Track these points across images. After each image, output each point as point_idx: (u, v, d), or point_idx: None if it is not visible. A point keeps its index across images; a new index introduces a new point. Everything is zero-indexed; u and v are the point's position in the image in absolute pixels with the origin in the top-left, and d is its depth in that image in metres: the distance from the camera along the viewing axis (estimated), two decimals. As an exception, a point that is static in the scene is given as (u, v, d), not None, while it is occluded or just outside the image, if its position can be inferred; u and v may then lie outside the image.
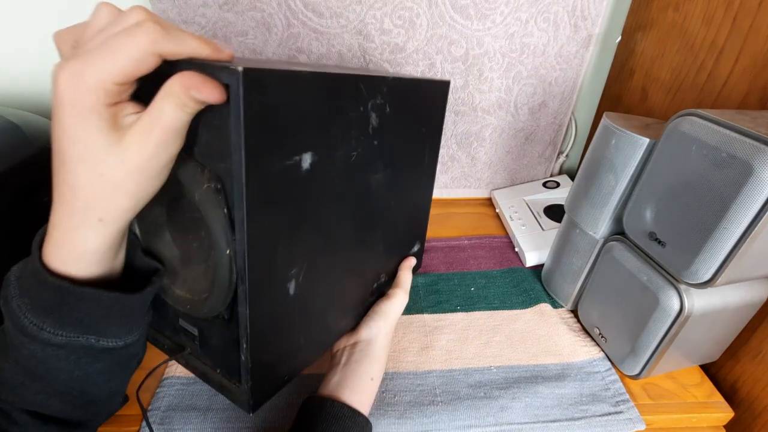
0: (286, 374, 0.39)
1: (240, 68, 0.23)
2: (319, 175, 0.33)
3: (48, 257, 0.26)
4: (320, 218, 0.35)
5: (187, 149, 0.27)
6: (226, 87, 0.24)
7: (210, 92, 0.23)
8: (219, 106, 0.24)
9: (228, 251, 0.30)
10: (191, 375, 0.47)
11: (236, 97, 0.24)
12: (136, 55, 0.22)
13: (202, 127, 0.27)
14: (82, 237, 0.25)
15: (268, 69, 0.25)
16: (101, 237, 0.25)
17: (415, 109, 0.44)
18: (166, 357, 0.39)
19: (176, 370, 0.47)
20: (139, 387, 0.38)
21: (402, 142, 0.43)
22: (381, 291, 0.50)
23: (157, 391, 0.45)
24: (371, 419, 0.43)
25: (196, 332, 0.38)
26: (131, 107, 0.24)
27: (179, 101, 0.23)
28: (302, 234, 0.34)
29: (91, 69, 0.22)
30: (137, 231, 0.35)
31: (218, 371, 0.38)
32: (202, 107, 0.24)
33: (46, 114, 0.70)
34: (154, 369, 0.39)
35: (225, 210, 0.29)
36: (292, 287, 0.35)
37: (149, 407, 0.44)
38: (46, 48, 0.69)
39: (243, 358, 0.34)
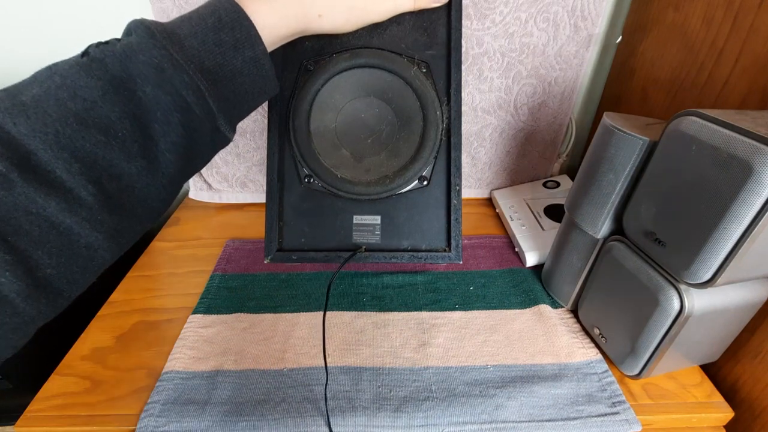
0: None
1: None
2: None
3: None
4: None
5: (396, 49, 0.47)
6: None
7: None
8: (429, 11, 0.46)
9: (438, 112, 0.47)
10: (191, 369, 0.47)
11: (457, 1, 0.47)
12: None
13: (412, 30, 0.47)
14: (298, 25, 0.34)
15: None
16: (296, 31, 0.35)
17: None
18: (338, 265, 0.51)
19: (176, 364, 0.47)
20: (331, 281, 0.48)
21: None
22: None
23: (156, 385, 0.45)
24: (367, 413, 0.42)
25: (378, 219, 0.50)
26: None
27: (416, 2, 0.42)
28: None
29: None
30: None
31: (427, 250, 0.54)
32: (420, 9, 0.44)
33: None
34: (339, 268, 0.50)
35: (431, 82, 0.47)
36: None
37: (148, 401, 0.44)
38: (47, 48, 0.70)
39: (454, 202, 0.51)
